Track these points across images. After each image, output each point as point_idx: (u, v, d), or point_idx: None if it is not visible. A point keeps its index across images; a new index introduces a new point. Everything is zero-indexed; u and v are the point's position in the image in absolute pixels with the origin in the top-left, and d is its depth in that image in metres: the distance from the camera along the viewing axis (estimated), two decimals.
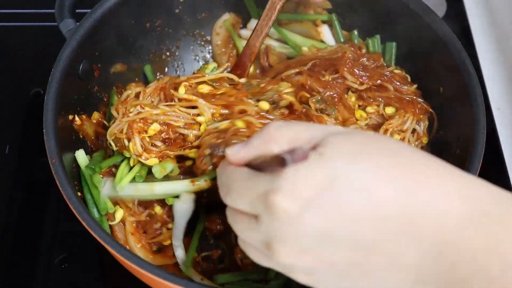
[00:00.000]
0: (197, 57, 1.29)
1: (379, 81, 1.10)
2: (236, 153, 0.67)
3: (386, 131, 1.07)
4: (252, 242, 0.63)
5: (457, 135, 1.03)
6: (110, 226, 1.02)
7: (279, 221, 0.58)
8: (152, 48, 1.22)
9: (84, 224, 0.86)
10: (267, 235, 0.60)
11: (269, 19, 1.11)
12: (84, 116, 1.07)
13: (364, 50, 1.17)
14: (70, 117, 1.04)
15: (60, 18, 1.06)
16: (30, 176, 1.23)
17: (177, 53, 1.27)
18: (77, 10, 1.09)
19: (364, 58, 1.13)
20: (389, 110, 1.09)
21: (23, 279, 1.10)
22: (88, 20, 1.05)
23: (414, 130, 1.09)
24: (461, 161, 0.95)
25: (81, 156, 1.03)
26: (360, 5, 1.18)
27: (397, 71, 1.13)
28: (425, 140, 1.10)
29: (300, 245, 0.58)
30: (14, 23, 1.44)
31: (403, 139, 1.08)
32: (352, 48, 1.14)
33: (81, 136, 1.07)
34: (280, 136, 0.64)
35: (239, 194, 0.63)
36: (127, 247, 0.98)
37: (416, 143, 1.09)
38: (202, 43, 1.29)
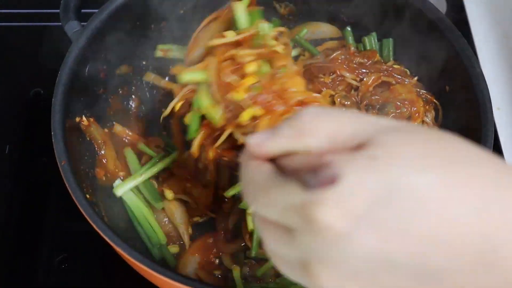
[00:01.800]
0: None
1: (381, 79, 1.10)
2: (261, 143, 0.52)
3: None
4: (284, 257, 0.51)
5: (464, 134, 1.02)
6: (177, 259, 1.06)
7: (321, 240, 0.46)
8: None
9: (94, 226, 0.86)
10: (304, 253, 0.48)
11: None
12: (91, 119, 1.08)
13: (352, 49, 1.18)
14: (77, 119, 1.04)
15: (65, 20, 1.06)
16: (30, 176, 1.22)
17: None
18: (82, 10, 1.09)
19: (358, 58, 1.14)
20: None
21: (23, 279, 1.10)
22: (94, 22, 1.05)
23: (422, 122, 1.10)
24: None
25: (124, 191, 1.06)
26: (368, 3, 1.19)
27: (396, 66, 1.14)
28: None
29: (347, 270, 0.46)
30: (14, 23, 1.43)
31: None
32: (340, 51, 1.14)
33: (88, 139, 1.07)
34: (319, 127, 0.50)
35: (267, 202, 0.50)
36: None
37: None
38: None
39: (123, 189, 1.06)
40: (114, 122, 1.15)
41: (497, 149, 1.22)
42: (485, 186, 0.46)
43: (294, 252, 0.49)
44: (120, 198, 1.07)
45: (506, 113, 1.32)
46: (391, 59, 1.19)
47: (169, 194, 1.08)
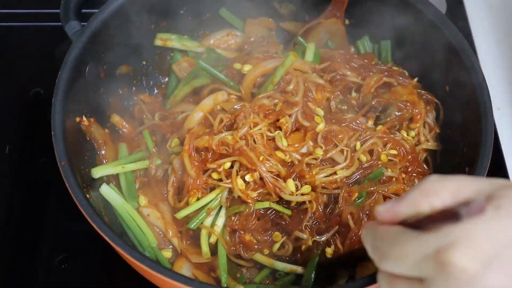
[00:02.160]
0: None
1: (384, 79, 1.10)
2: (390, 210, 0.62)
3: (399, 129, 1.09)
4: None
5: (464, 134, 1.03)
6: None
7: (455, 281, 0.52)
8: (157, 50, 1.22)
9: (94, 226, 0.86)
10: None
11: None
12: (92, 119, 1.08)
13: (352, 50, 1.20)
14: (77, 119, 1.04)
15: (65, 20, 1.06)
16: (30, 176, 1.22)
17: None
18: (82, 10, 1.09)
19: (358, 60, 1.14)
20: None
21: (23, 279, 1.10)
22: (94, 22, 1.05)
23: (424, 123, 1.10)
24: (469, 160, 0.96)
25: (107, 190, 1.02)
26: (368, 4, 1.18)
27: (395, 68, 1.15)
28: (437, 129, 1.11)
29: None
30: (14, 23, 1.43)
31: (418, 134, 1.09)
32: (342, 51, 1.15)
33: (88, 139, 1.07)
34: (442, 188, 0.58)
35: (401, 256, 0.58)
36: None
37: (431, 134, 1.10)
38: None
39: (101, 172, 1.04)
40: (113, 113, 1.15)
41: (497, 149, 1.23)
42: None
43: None
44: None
45: (506, 113, 1.32)
46: (389, 60, 1.19)
47: (142, 200, 1.05)
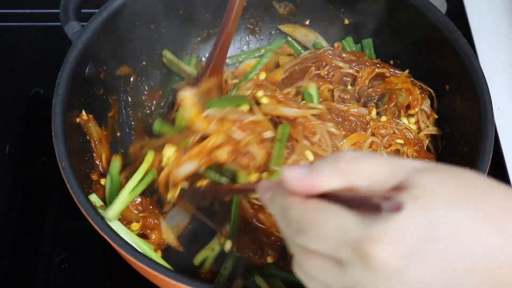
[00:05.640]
0: (203, 58, 1.29)
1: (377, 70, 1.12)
2: (304, 179, 0.56)
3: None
4: (325, 282, 0.56)
5: (464, 133, 1.03)
6: None
7: (374, 274, 0.52)
8: (157, 50, 1.22)
9: (95, 227, 0.86)
10: (354, 283, 0.53)
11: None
12: (91, 116, 1.07)
13: (340, 47, 1.22)
14: (77, 120, 1.04)
15: (64, 20, 1.06)
16: (30, 176, 1.23)
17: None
18: (82, 10, 1.09)
19: (344, 54, 1.16)
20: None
21: (23, 279, 1.10)
22: (94, 22, 1.05)
23: (421, 110, 1.11)
24: (470, 159, 0.96)
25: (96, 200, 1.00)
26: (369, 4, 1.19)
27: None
28: (435, 115, 1.12)
29: None
30: (14, 23, 1.44)
31: (417, 121, 1.10)
32: (327, 48, 1.17)
33: (87, 138, 1.07)
34: (360, 168, 0.55)
35: (321, 236, 0.54)
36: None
37: (430, 119, 1.11)
38: None
39: (112, 211, 0.97)
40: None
41: (497, 149, 1.22)
42: (507, 219, 0.52)
43: (340, 281, 0.54)
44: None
45: (506, 113, 1.32)
46: (374, 58, 1.21)
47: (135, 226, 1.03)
